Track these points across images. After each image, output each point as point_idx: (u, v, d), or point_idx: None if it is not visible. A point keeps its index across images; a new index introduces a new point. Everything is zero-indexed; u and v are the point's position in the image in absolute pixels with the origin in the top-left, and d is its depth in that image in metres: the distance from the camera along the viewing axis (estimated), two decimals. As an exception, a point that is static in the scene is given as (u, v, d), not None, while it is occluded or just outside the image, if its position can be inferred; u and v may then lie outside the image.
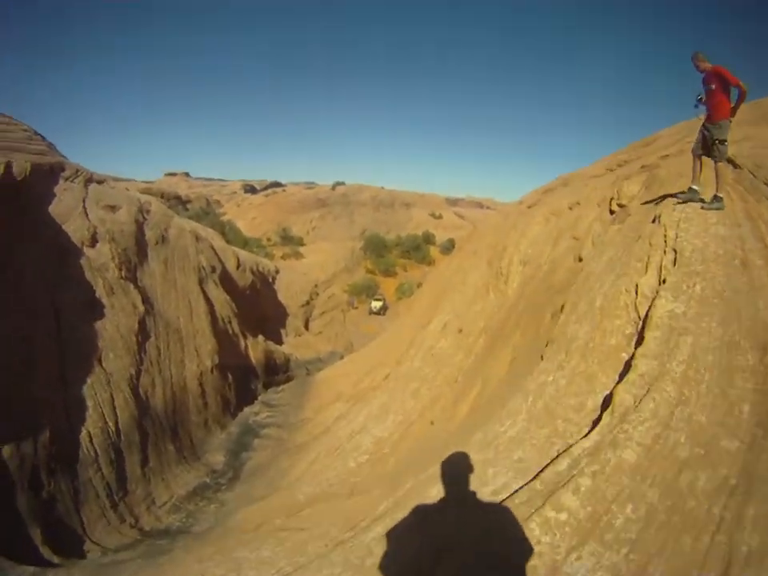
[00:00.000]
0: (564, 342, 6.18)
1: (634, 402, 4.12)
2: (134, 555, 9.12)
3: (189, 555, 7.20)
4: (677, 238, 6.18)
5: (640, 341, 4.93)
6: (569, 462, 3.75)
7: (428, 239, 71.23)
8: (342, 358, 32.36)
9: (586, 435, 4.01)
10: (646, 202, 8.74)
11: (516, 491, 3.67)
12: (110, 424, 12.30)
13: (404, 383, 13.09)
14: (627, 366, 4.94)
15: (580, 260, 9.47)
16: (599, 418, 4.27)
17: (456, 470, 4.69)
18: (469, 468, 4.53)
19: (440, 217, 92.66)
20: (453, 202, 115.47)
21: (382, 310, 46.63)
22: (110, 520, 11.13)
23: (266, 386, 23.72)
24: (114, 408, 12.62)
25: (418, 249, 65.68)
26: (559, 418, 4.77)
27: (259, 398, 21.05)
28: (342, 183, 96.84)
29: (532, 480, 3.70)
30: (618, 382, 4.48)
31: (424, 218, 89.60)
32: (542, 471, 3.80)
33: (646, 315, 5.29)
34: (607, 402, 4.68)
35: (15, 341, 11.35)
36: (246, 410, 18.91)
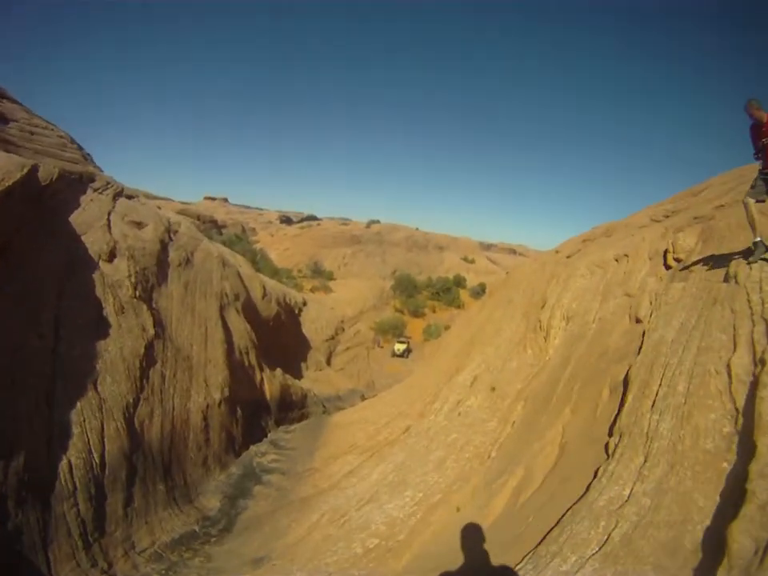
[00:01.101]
0: (640, 438, 4.79)
1: (756, 552, 2.76)
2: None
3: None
4: (764, 304, 5.19)
5: (749, 449, 3.62)
6: None
7: (459, 282, 70.34)
8: (362, 396, 31.13)
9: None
10: (706, 258, 7.76)
11: None
12: (95, 455, 11.04)
13: (426, 445, 11.57)
14: (730, 484, 3.64)
15: (638, 321, 8.35)
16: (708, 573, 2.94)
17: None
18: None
19: (472, 261, 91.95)
20: (486, 247, 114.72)
21: (406, 353, 45.12)
22: (80, 562, 9.74)
23: (279, 423, 22.33)
24: (103, 438, 11.39)
25: (448, 291, 64.69)
26: (647, 563, 3.37)
27: (269, 436, 19.61)
28: (377, 221, 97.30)
29: None
30: (731, 517, 3.13)
31: (456, 262, 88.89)
32: None
33: (747, 408, 4.08)
34: (710, 539, 3.32)
35: (6, 352, 10.40)
36: (253, 448, 17.46)
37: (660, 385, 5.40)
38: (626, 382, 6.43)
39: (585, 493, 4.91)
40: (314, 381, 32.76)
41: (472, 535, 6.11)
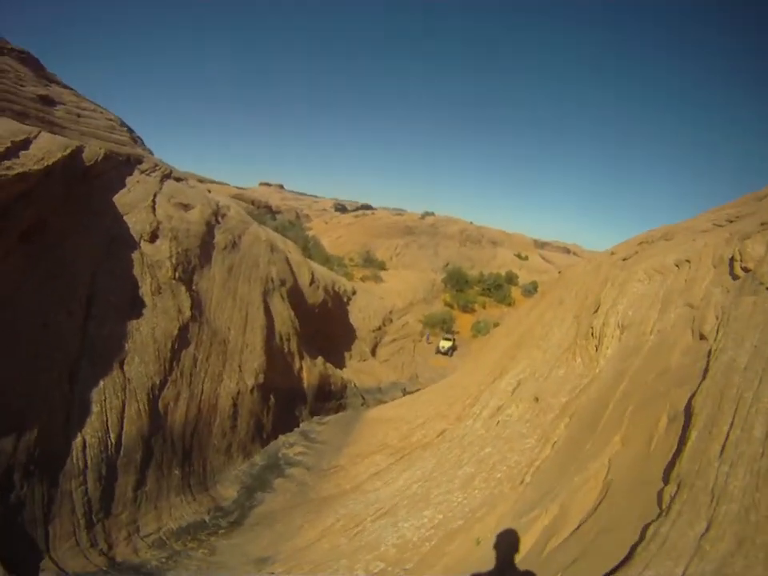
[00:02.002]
0: (703, 495, 3.79)
1: None
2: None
3: None
4: None
5: None
6: None
7: (511, 279, 68.19)
8: (403, 390, 30.38)
9: None
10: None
11: None
12: (112, 436, 10.93)
13: (458, 455, 10.72)
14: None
15: (701, 337, 7.20)
16: None
17: None
18: None
19: (526, 258, 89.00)
20: (540, 245, 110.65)
21: (451, 351, 43.72)
22: (80, 541, 9.65)
23: (314, 413, 21.97)
24: (123, 418, 11.27)
25: (499, 288, 62.67)
26: None
27: (301, 426, 19.23)
28: (432, 214, 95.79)
29: None
30: None
31: (509, 258, 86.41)
32: None
33: None
34: None
35: (32, 327, 10.39)
36: (282, 438, 17.08)
37: (732, 425, 4.37)
38: (688, 412, 5.38)
39: (627, 558, 3.95)
40: (356, 371, 32.37)
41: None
